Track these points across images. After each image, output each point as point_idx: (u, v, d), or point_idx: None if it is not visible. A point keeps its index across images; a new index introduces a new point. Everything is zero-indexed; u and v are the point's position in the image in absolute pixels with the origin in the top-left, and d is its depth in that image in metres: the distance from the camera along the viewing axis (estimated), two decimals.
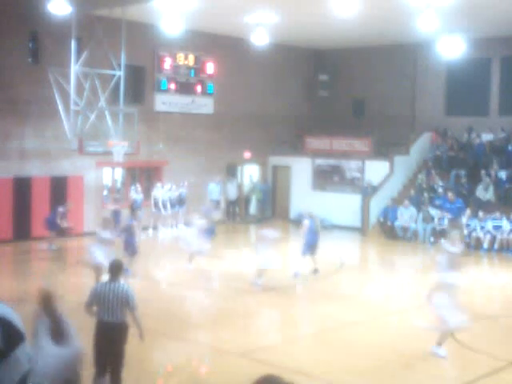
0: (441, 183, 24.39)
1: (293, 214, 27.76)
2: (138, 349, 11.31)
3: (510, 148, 24.83)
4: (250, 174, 28.46)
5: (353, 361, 10.86)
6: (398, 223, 23.57)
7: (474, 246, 21.68)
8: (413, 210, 23.43)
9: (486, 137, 25.89)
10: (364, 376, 10.27)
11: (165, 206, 23.81)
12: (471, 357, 11.21)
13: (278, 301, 14.75)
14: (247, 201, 28.43)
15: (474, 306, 14.67)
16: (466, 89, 27.06)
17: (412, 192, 24.56)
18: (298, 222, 26.64)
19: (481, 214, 21.93)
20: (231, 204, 27.70)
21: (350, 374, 10.26)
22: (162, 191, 23.93)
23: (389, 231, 23.77)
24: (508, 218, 21.67)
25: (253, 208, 28.60)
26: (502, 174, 23.88)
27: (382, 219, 24.29)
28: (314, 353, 11.29)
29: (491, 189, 23.18)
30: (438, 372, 10.63)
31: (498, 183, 23.59)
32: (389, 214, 24.05)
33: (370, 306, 14.41)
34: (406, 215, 23.47)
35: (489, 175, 23.58)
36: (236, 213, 27.82)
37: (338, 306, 14.40)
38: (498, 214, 21.79)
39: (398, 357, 11.07)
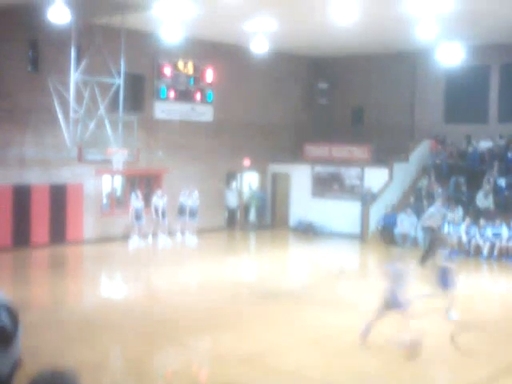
0: (440, 190, 24.40)
1: (292, 221, 27.77)
2: (137, 354, 11.34)
3: (509, 155, 24.86)
4: (249, 181, 28.50)
5: (353, 365, 10.87)
6: (397, 230, 23.58)
7: (473, 253, 21.68)
8: (413, 217, 23.45)
9: (486, 144, 25.93)
10: (364, 379, 10.28)
11: (163, 214, 23.80)
12: (470, 361, 11.22)
13: (278, 307, 14.74)
14: (246, 208, 28.46)
15: (474, 311, 14.68)
16: (465, 96, 27.10)
17: (412, 199, 24.59)
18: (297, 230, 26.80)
19: (481, 221, 21.95)
20: (231, 212, 27.74)
21: (350, 378, 10.27)
22: (162, 199, 23.91)
23: (388, 238, 23.76)
24: (507, 226, 21.67)
25: (252, 215, 28.62)
26: (502, 182, 23.90)
27: (381, 226, 24.31)
28: (314, 357, 11.28)
29: (490, 196, 23.20)
30: (436, 375, 10.63)
31: (497, 190, 23.62)
32: (388, 221, 24.07)
33: (369, 312, 14.40)
34: (407, 222, 23.48)
35: (488, 182, 23.60)
36: (236, 220, 27.85)
37: (338, 312, 14.40)
38: (497, 222, 21.81)
39: (396, 361, 11.07)
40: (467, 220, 22.32)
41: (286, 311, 14.39)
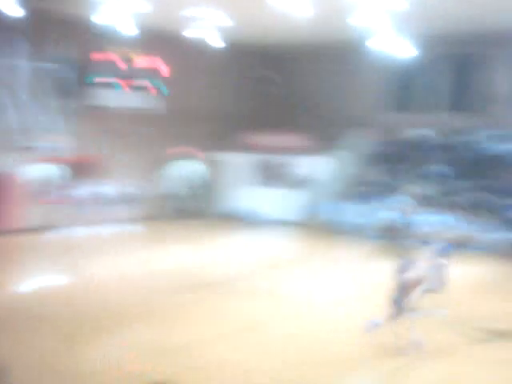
0: (382, 178, 24.65)
1: (232, 209, 27.53)
2: (60, 347, 11.17)
3: (451, 144, 25.24)
4: (191, 169, 28.27)
5: (281, 356, 10.93)
6: (339, 218, 23.74)
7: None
8: (356, 204, 23.68)
9: (427, 133, 26.24)
10: (287, 369, 10.32)
11: (104, 202, 23.65)
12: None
13: (209, 297, 14.69)
14: (186, 196, 28.16)
15: None
16: (410, 86, 27.44)
17: (354, 187, 24.80)
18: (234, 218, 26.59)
19: (421, 209, 22.23)
20: (171, 200, 27.44)
21: (277, 368, 10.31)
22: (103, 187, 23.76)
23: (330, 227, 23.90)
24: (448, 214, 22.00)
25: (192, 203, 28.28)
26: (443, 170, 24.25)
27: (323, 214, 24.44)
28: (242, 347, 11.30)
29: (431, 185, 23.58)
30: (359, 367, 10.72)
31: (438, 179, 23.95)
32: (330, 208, 24.25)
33: (302, 301, 14.55)
34: (350, 210, 23.70)
35: (430, 171, 24.02)
36: (176, 208, 27.55)
37: (271, 301, 14.47)
38: (438, 210, 22.16)
39: (320, 353, 11.19)
40: (409, 208, 22.57)
41: (218, 301, 14.36)
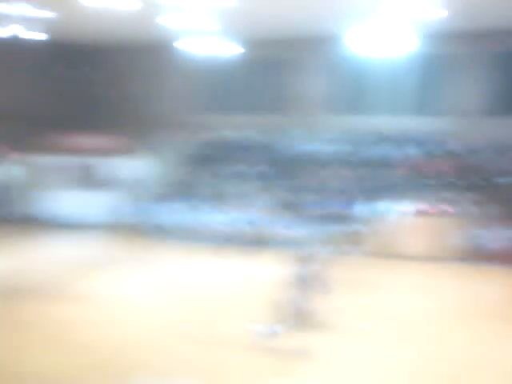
0: (197, 179, 25.14)
1: (41, 213, 26.55)
2: None
3: (265, 145, 26.27)
4: None
5: (89, 359, 11.02)
6: (152, 220, 23.88)
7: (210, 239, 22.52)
8: (172, 206, 23.95)
9: (243, 134, 27.11)
10: (87, 378, 10.40)
11: None
12: None
13: (14, 305, 14.35)
14: None
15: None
16: (227, 87, 28.25)
17: (168, 189, 25.07)
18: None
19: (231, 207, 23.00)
20: None
21: (86, 372, 10.36)
22: None
23: (143, 228, 23.96)
24: (257, 213, 22.95)
25: None
26: (257, 170, 25.23)
27: (134, 216, 24.45)
28: (50, 354, 11.21)
29: (248, 184, 24.48)
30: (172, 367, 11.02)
31: (253, 179, 24.87)
32: (142, 210, 24.32)
33: (109, 306, 14.65)
34: (165, 212, 23.92)
35: (246, 171, 24.95)
36: None
37: (78, 305, 14.43)
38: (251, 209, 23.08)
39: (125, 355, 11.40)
40: (220, 207, 23.30)
41: (25, 308, 14.08)
